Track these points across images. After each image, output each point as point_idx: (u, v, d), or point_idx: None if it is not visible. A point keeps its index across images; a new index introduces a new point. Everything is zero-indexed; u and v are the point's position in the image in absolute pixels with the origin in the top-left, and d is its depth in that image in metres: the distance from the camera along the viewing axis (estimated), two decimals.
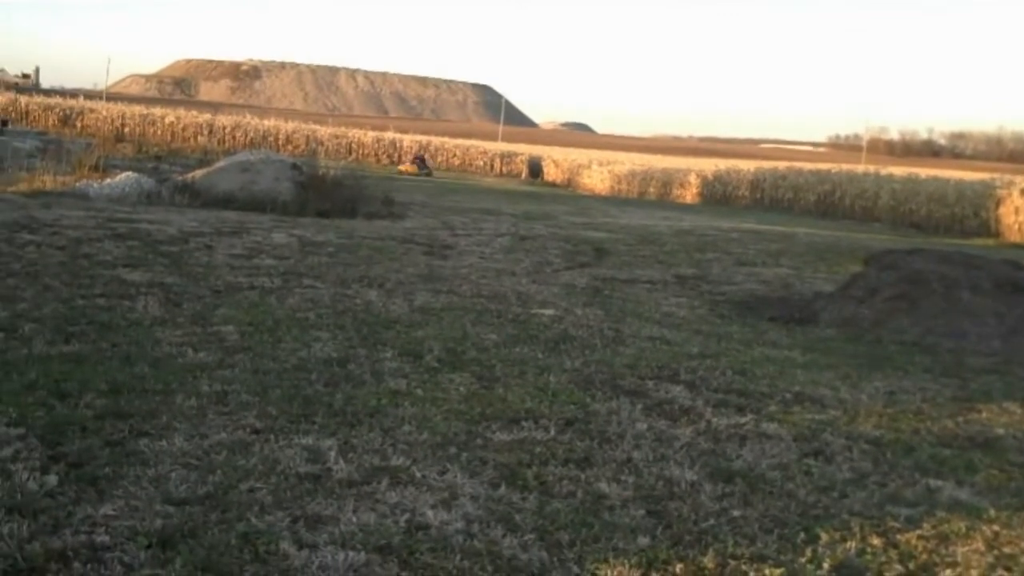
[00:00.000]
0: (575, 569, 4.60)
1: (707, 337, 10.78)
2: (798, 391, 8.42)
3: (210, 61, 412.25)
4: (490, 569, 4.52)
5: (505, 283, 13.83)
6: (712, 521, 5.28)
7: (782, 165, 60.30)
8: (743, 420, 7.36)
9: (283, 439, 6.06)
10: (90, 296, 10.15)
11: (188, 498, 5.02)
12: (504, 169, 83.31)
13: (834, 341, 11.21)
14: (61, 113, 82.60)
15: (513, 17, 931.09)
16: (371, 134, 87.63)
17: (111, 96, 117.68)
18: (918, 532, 5.39)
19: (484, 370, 8.31)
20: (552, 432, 6.68)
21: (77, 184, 22.77)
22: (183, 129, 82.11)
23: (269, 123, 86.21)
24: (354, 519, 4.93)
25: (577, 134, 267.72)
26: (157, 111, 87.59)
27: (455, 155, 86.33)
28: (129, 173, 24.37)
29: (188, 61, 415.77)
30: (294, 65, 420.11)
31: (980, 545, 5.30)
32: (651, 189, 61.06)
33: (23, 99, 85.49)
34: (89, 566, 4.25)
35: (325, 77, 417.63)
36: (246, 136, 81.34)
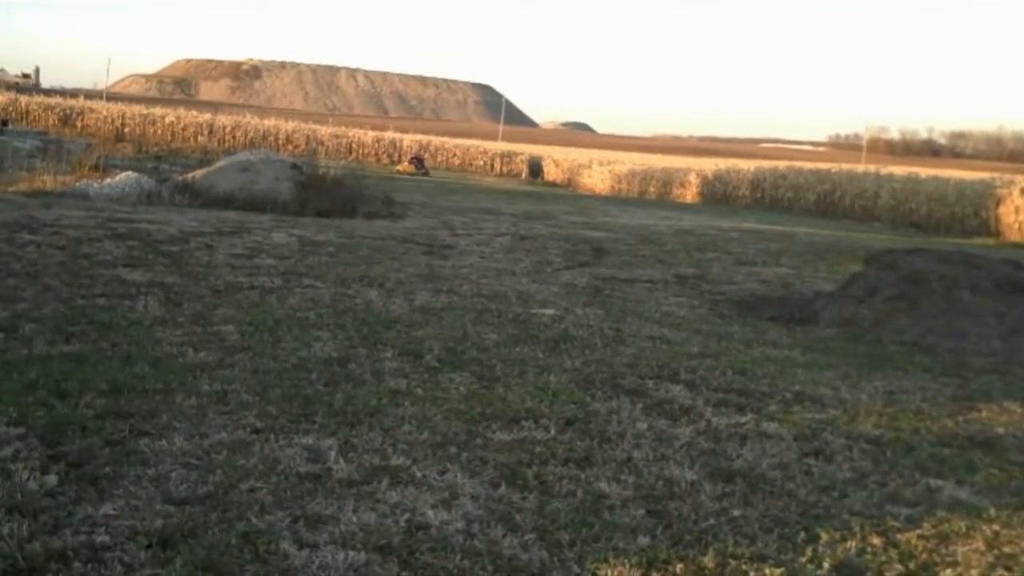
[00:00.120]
0: (575, 569, 4.60)
1: (707, 336, 10.78)
2: (798, 390, 8.42)
3: (210, 61, 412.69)
4: (490, 569, 4.53)
5: (505, 283, 13.84)
6: (712, 521, 5.28)
7: (782, 165, 60.25)
8: (743, 420, 7.37)
9: (283, 439, 6.07)
10: (90, 296, 10.16)
11: (188, 498, 5.03)
12: (504, 169, 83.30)
13: (834, 341, 11.21)
14: (61, 113, 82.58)
15: (514, 17, 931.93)
16: (371, 134, 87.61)
17: (111, 96, 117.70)
18: (918, 532, 5.39)
19: (484, 370, 8.31)
20: (552, 432, 6.68)
21: (77, 184, 22.77)
22: (183, 129, 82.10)
23: (269, 123, 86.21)
24: (354, 519, 4.93)
25: (577, 134, 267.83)
26: (157, 111, 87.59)
27: (455, 155, 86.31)
28: (129, 173, 24.37)
29: (188, 61, 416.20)
30: (294, 65, 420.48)
31: (980, 545, 5.30)
32: (651, 189, 61.06)
33: (23, 99, 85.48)
34: (89, 566, 4.25)
35: (325, 77, 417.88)
36: (246, 136, 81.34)
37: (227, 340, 8.66)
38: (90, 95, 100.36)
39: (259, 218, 19.84)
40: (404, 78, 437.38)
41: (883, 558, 5.01)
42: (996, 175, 46.95)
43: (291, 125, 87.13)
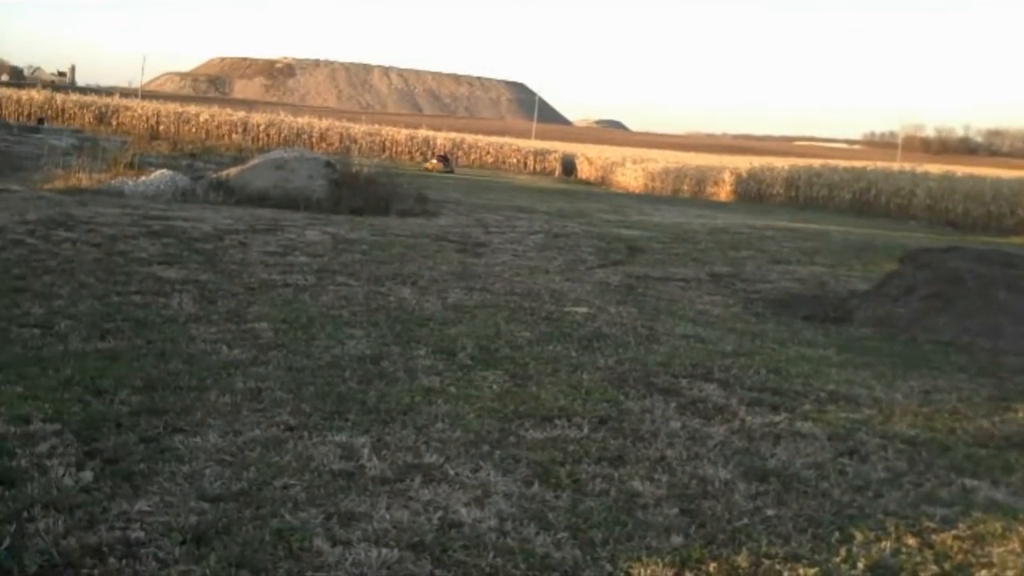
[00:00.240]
0: (608, 567, 4.59)
1: (741, 335, 10.74)
2: (833, 390, 8.38)
3: (244, 59, 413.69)
4: (523, 567, 4.52)
5: (538, 281, 13.83)
6: (746, 520, 5.26)
7: (817, 163, 60.10)
8: (777, 419, 7.34)
9: (317, 436, 6.08)
10: (125, 293, 10.22)
11: (222, 494, 5.05)
12: (537, 167, 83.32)
13: (869, 340, 11.15)
14: (97, 111, 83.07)
15: (547, 15, 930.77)
16: (404, 132, 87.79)
17: (146, 94, 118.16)
18: (953, 532, 5.36)
19: (517, 368, 8.31)
20: (585, 430, 6.67)
21: (112, 182, 22.92)
22: (217, 127, 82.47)
23: (303, 121, 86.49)
24: (387, 516, 4.94)
25: (611, 131, 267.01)
26: (192, 109, 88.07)
27: (488, 153, 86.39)
28: (164, 171, 24.50)
29: (223, 59, 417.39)
30: (328, 63, 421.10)
31: (1016, 546, 5.25)
32: (685, 187, 60.95)
33: (59, 97, 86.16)
34: (124, 561, 4.28)
35: (359, 75, 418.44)
36: (280, 134, 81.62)
37: (261, 337, 8.69)
38: (125, 93, 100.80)
39: (293, 216, 19.91)
40: (437, 76, 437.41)
41: (918, 559, 4.98)
42: None
43: (325, 123, 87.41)
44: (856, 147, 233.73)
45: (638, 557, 4.69)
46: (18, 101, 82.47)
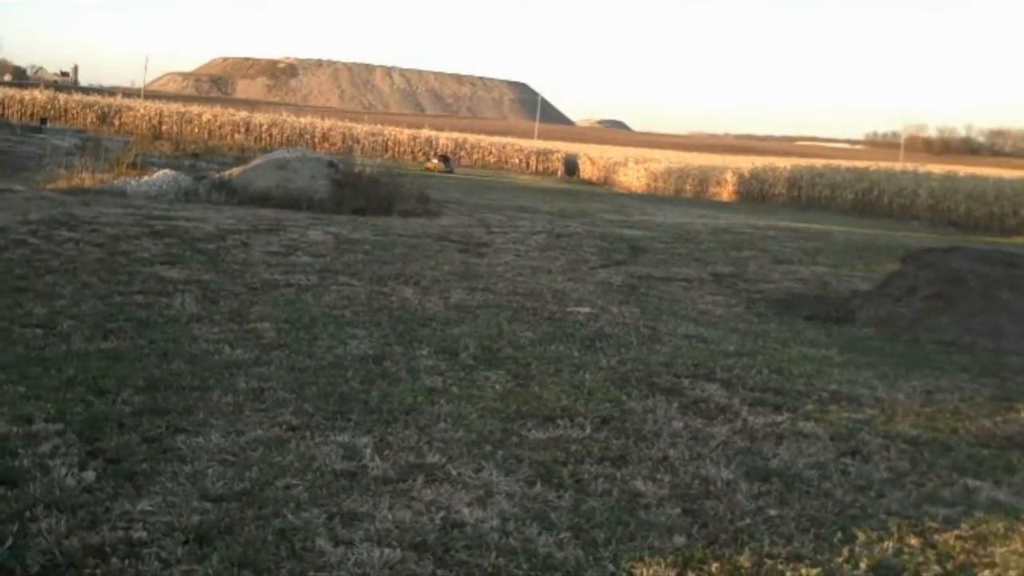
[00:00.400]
0: (610, 567, 4.60)
1: (743, 335, 10.74)
2: (835, 390, 8.38)
3: (247, 59, 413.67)
4: (525, 567, 4.52)
5: (541, 281, 13.83)
6: (748, 520, 5.27)
7: (819, 163, 60.10)
8: (779, 419, 7.34)
9: (319, 436, 6.09)
10: (128, 293, 10.23)
11: (225, 494, 5.05)
12: (540, 167, 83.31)
13: (871, 340, 11.15)
14: (99, 111, 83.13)
15: (550, 15, 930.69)
16: (407, 132, 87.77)
17: (149, 94, 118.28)
18: (956, 532, 5.36)
19: (520, 368, 8.31)
20: (588, 430, 6.67)
21: (115, 181, 22.93)
22: (220, 127, 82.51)
23: (305, 121, 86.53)
24: (390, 516, 4.94)
25: (613, 131, 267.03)
26: (194, 109, 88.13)
27: (491, 152, 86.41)
28: (166, 171, 24.51)
29: (225, 59, 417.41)
30: (330, 63, 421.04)
31: (1019, 546, 5.25)
32: (687, 187, 60.96)
33: (62, 97, 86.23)
34: (126, 561, 4.28)
35: (361, 75, 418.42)
36: (282, 134, 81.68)
37: (263, 337, 8.70)
38: (128, 93, 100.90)
39: (295, 216, 19.92)
40: (440, 76, 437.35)
41: (920, 559, 4.98)
42: None
43: (327, 123, 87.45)
44: (858, 147, 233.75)
45: (640, 557, 4.70)
46: (21, 101, 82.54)
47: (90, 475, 5.13)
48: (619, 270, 16.04)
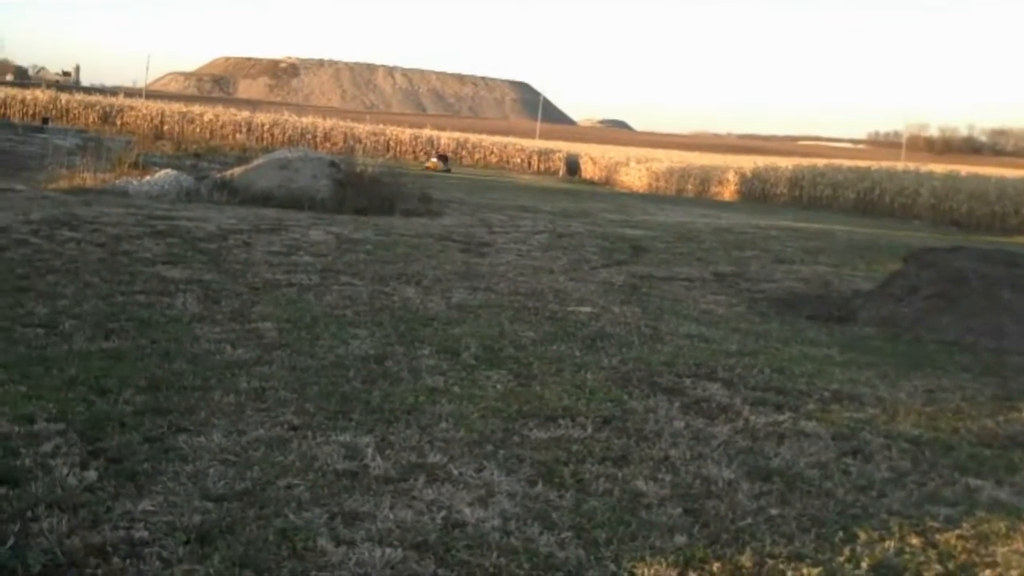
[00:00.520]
0: (612, 567, 4.60)
1: (745, 335, 10.74)
2: (836, 389, 8.38)
3: (248, 59, 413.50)
4: (527, 567, 4.52)
5: (542, 280, 13.83)
6: (749, 520, 5.27)
7: (821, 162, 60.10)
8: (781, 418, 7.34)
9: (321, 436, 6.09)
10: (130, 293, 10.23)
11: (226, 494, 5.05)
12: (542, 167, 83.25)
13: (873, 339, 11.15)
14: (101, 111, 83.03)
15: (551, 15, 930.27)
16: (409, 131, 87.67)
17: (150, 94, 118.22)
18: (957, 532, 5.36)
19: (521, 368, 8.31)
20: (589, 430, 6.67)
21: (117, 181, 22.92)
22: (222, 127, 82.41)
23: (307, 120, 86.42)
24: (391, 516, 4.94)
25: (615, 131, 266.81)
26: (196, 109, 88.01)
27: (492, 152, 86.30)
28: (168, 170, 24.50)
29: (227, 59, 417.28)
30: (332, 63, 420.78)
31: (1020, 545, 5.26)
32: (689, 186, 60.91)
33: (64, 97, 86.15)
34: (128, 561, 4.28)
35: (363, 75, 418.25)
36: (284, 133, 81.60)
37: (265, 337, 8.70)
38: (130, 93, 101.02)
39: (297, 215, 19.92)
40: (441, 76, 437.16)
41: (921, 558, 4.98)
42: None
43: (329, 123, 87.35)
44: (860, 147, 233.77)
45: (642, 557, 4.70)
46: (23, 101, 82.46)
47: (92, 475, 5.14)
48: (621, 270, 16.04)
